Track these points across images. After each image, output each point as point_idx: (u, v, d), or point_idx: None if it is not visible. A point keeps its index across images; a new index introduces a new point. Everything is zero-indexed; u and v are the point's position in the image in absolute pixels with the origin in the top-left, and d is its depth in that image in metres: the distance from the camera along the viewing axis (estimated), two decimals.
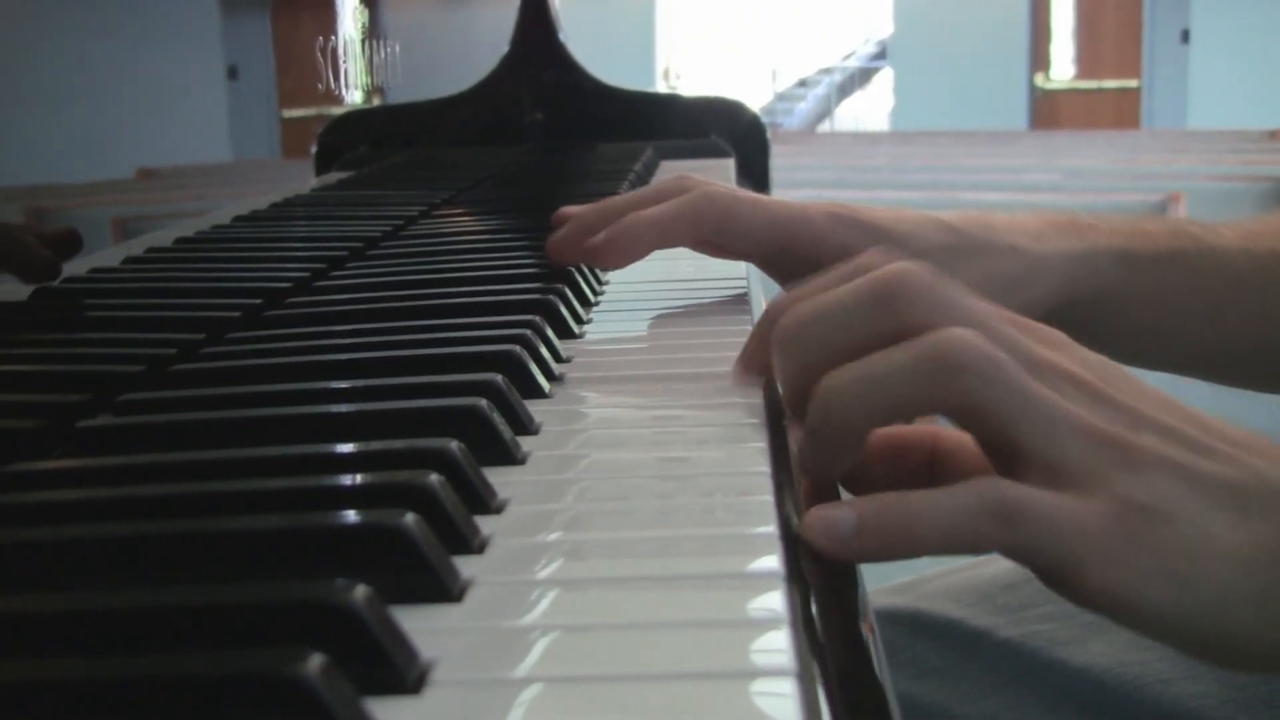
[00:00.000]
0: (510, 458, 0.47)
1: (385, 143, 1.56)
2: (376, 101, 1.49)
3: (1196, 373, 0.80)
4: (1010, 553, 0.44)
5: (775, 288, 0.86)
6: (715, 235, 0.70)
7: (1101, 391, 0.45)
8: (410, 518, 0.36)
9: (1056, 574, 0.44)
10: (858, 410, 0.44)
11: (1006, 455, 0.44)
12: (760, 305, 0.75)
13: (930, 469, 0.51)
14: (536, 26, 1.63)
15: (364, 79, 1.41)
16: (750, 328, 0.68)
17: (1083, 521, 0.43)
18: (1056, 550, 0.43)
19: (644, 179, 1.38)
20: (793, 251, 0.69)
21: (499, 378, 0.52)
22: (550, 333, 0.63)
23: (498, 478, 0.44)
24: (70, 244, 0.81)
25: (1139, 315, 0.74)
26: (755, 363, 0.57)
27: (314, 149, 1.42)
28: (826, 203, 0.71)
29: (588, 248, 0.71)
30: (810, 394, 0.45)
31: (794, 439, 0.49)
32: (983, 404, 0.43)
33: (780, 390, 0.49)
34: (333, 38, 1.34)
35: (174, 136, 1.11)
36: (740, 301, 0.74)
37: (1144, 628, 0.44)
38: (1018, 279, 0.70)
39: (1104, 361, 0.47)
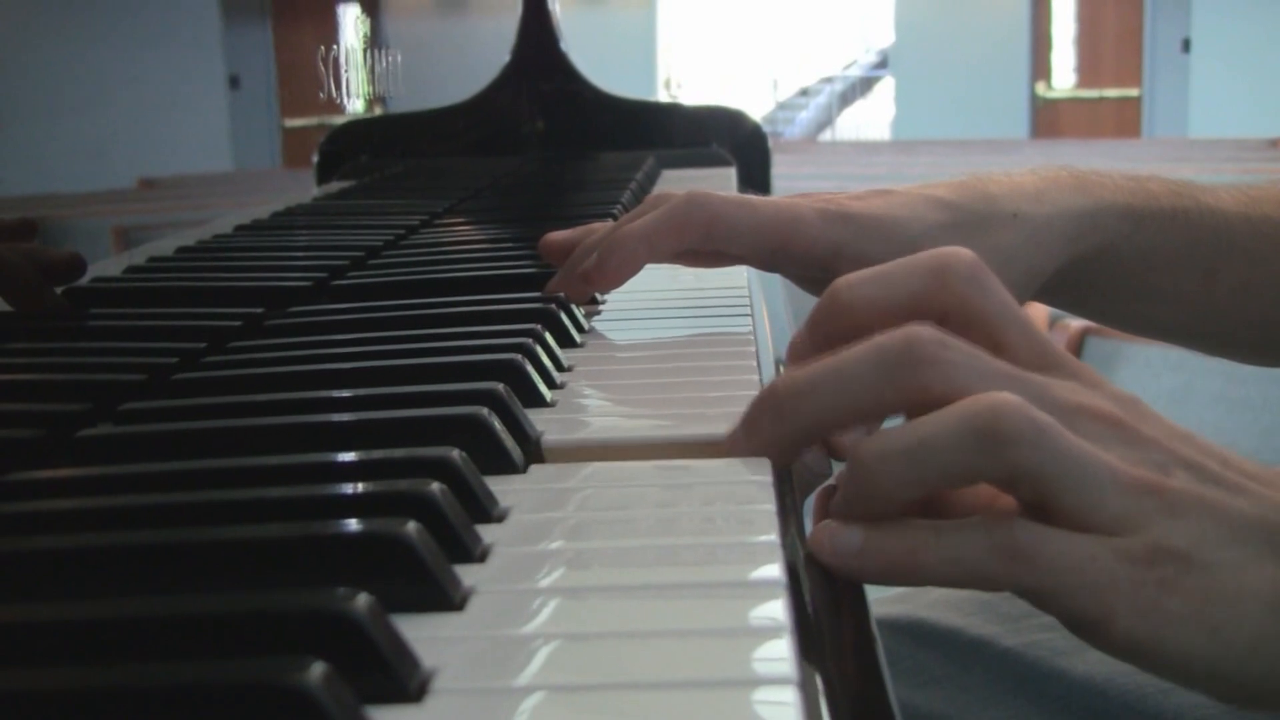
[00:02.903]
0: (512, 466, 0.47)
1: (386, 152, 1.56)
2: (378, 111, 1.49)
3: (1184, 339, 0.80)
4: (1027, 596, 0.43)
5: (776, 292, 0.86)
6: (704, 241, 0.68)
7: (1133, 431, 0.44)
8: (412, 526, 0.36)
9: (1080, 621, 0.43)
10: (903, 482, 0.42)
11: (1038, 507, 0.43)
12: (761, 310, 0.75)
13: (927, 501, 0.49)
14: (537, 36, 1.63)
15: (365, 88, 1.41)
16: (751, 332, 0.68)
17: (1109, 566, 0.42)
18: (1081, 598, 0.42)
19: (645, 188, 1.39)
20: (786, 252, 0.68)
21: (501, 386, 0.52)
22: (552, 341, 0.63)
23: (499, 486, 0.44)
24: (72, 270, 0.80)
25: (1137, 274, 0.73)
26: (806, 357, 0.51)
27: (315, 158, 1.42)
28: (816, 196, 0.70)
29: (581, 274, 0.70)
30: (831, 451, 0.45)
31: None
32: (1031, 474, 0.42)
33: (774, 450, 0.47)
34: (334, 47, 1.34)
35: (175, 146, 1.11)
36: (741, 308, 0.74)
37: (1171, 674, 0.43)
38: (1022, 247, 0.69)
39: (1131, 396, 0.47)
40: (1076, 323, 2.32)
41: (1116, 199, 0.71)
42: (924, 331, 0.44)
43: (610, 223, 0.72)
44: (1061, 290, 0.73)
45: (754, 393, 0.56)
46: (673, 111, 1.74)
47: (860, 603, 0.44)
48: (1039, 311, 2.09)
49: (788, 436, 0.46)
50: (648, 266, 0.69)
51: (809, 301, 0.70)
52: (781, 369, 0.63)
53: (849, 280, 0.50)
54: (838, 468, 0.53)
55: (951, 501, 0.47)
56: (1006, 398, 0.42)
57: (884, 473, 0.42)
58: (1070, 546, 0.42)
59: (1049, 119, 12.81)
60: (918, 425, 0.42)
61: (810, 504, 0.47)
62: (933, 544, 0.42)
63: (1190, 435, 0.46)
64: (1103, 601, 0.42)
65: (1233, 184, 0.76)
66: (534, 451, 0.50)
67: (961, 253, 0.49)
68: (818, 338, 0.51)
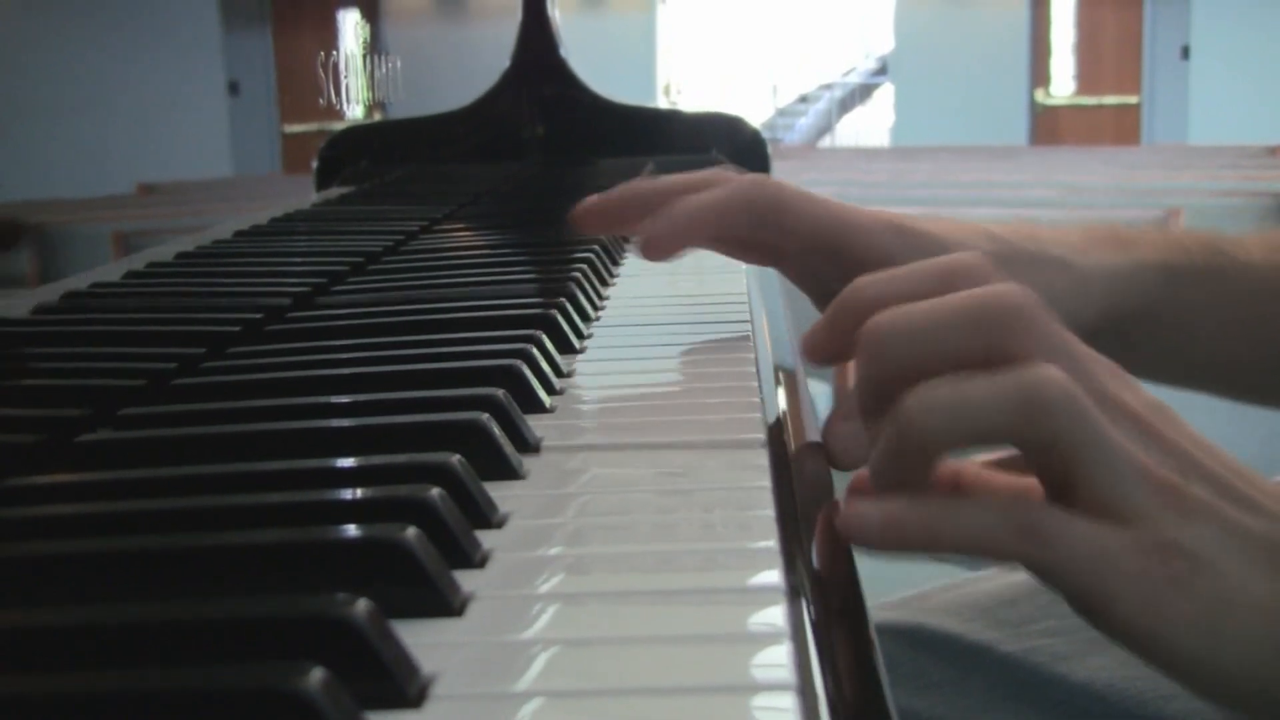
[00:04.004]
0: (511, 472, 0.47)
1: (386, 158, 1.56)
2: (377, 116, 1.49)
3: (1221, 390, 0.80)
4: (1037, 572, 0.45)
5: (775, 299, 0.86)
6: (759, 227, 0.66)
7: (1160, 434, 0.46)
8: (411, 532, 0.36)
9: (1085, 601, 0.44)
10: (943, 433, 0.44)
11: (1061, 484, 0.45)
12: (761, 317, 0.75)
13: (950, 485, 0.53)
14: (537, 42, 1.63)
15: (365, 94, 1.41)
16: (750, 338, 0.68)
17: (1119, 553, 0.43)
18: (1089, 580, 0.44)
19: None
20: (839, 256, 0.66)
21: (500, 392, 0.52)
22: (551, 347, 0.63)
23: (499, 492, 0.44)
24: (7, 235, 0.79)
25: (1173, 331, 0.73)
26: (822, 350, 0.55)
27: (315, 164, 1.42)
28: (877, 210, 0.68)
29: (641, 230, 0.67)
30: (890, 400, 0.46)
31: (839, 434, 0.52)
32: (1063, 445, 0.44)
33: (856, 388, 0.49)
34: (334, 53, 1.34)
35: (175, 151, 1.11)
36: (741, 314, 0.74)
37: (1163, 666, 0.45)
38: (1065, 294, 0.69)
39: (1161, 404, 0.48)
40: None
41: (1153, 257, 0.71)
42: (1015, 291, 0.46)
43: (663, 180, 0.70)
44: (1098, 346, 0.73)
45: (754, 399, 0.56)
46: (672, 118, 1.74)
47: (859, 608, 0.44)
48: None
49: (875, 377, 0.48)
50: (648, 271, 0.69)
51: (808, 308, 0.70)
52: (782, 375, 0.63)
53: (873, 278, 0.52)
54: (838, 476, 0.53)
55: (973, 487, 0.50)
56: (1055, 371, 0.44)
57: (926, 423, 0.44)
58: (1087, 531, 0.44)
59: (1048, 126, 12.83)
60: (964, 382, 0.44)
61: (811, 512, 0.47)
62: (952, 519, 0.44)
63: (1213, 447, 0.47)
64: (1108, 588, 0.44)
65: (1254, 234, 0.76)
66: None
67: (972, 258, 0.50)
68: (835, 333, 0.53)
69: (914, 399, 0.44)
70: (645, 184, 0.70)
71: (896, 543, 0.45)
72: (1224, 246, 0.74)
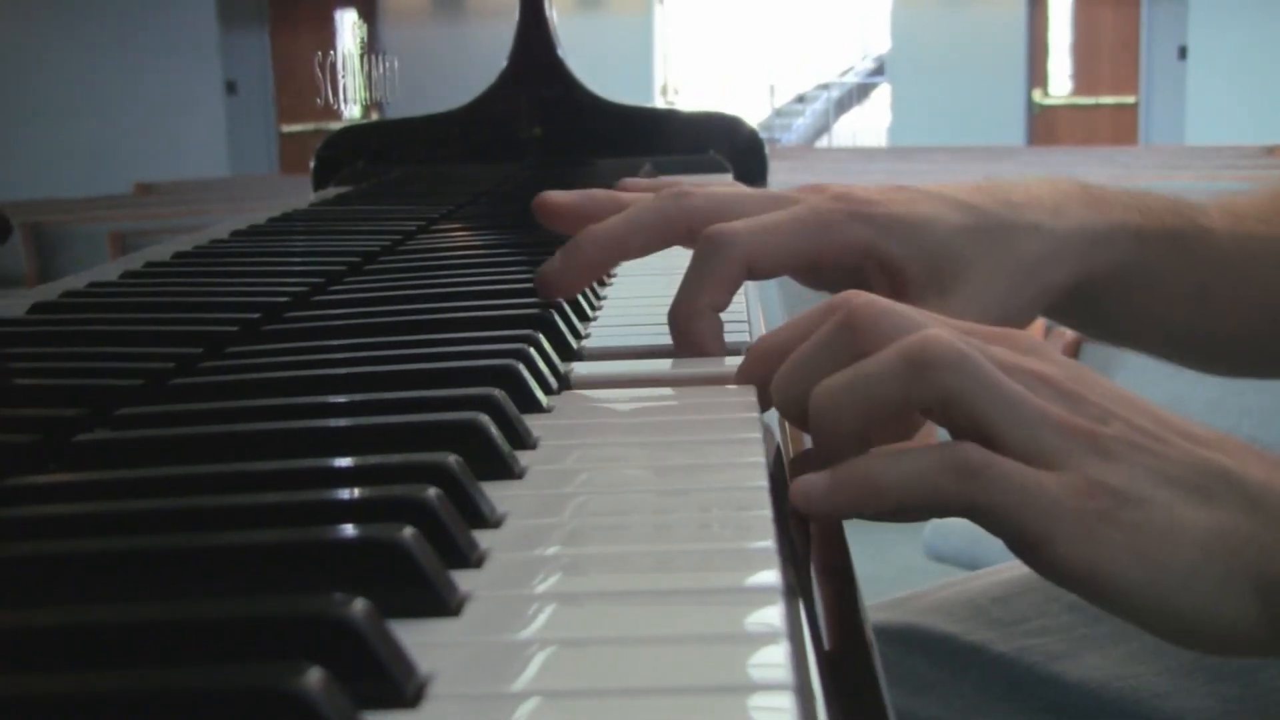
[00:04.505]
0: (508, 472, 0.47)
1: (383, 158, 1.56)
2: (375, 116, 1.49)
3: (1183, 358, 0.79)
4: (975, 514, 0.46)
5: (772, 300, 0.86)
6: (745, 275, 0.65)
7: (1070, 389, 0.48)
8: (408, 532, 0.36)
9: (1023, 542, 0.46)
10: (847, 409, 0.47)
11: (986, 446, 0.46)
12: (758, 317, 0.75)
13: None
14: (535, 42, 1.63)
15: (362, 94, 1.41)
16: (748, 340, 0.68)
17: (1053, 492, 0.45)
18: (1024, 517, 0.45)
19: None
20: (818, 263, 0.66)
21: (497, 392, 0.52)
22: (548, 347, 0.63)
23: (496, 492, 0.44)
24: None
25: (1138, 295, 0.73)
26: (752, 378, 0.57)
27: (312, 164, 1.42)
28: (828, 188, 0.67)
29: (543, 268, 0.69)
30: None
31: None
32: (956, 396, 0.46)
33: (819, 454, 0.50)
34: (331, 53, 1.34)
35: (172, 151, 1.11)
36: (738, 317, 0.74)
37: (1107, 602, 0.46)
38: (1042, 260, 0.68)
39: (1074, 364, 0.50)
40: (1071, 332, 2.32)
41: (1127, 219, 0.71)
42: (939, 337, 0.48)
43: (605, 194, 0.71)
44: (1069, 308, 0.72)
45: (751, 398, 0.56)
46: (670, 118, 1.74)
47: (857, 608, 0.44)
48: (1035, 323, 2.10)
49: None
50: (645, 271, 0.69)
51: (806, 307, 0.69)
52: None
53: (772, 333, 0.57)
54: None
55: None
56: (937, 331, 0.47)
57: (832, 405, 0.48)
58: (1016, 468, 0.45)
59: (1046, 126, 12.83)
60: (859, 361, 0.48)
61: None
62: (890, 467, 0.46)
63: (1129, 397, 0.49)
64: (1045, 525, 0.45)
65: (1220, 196, 0.76)
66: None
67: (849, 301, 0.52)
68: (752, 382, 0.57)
69: (819, 388, 0.48)
70: (601, 195, 0.71)
71: (845, 502, 0.46)
72: (1185, 210, 0.73)
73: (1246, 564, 0.45)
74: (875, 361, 0.47)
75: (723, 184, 0.71)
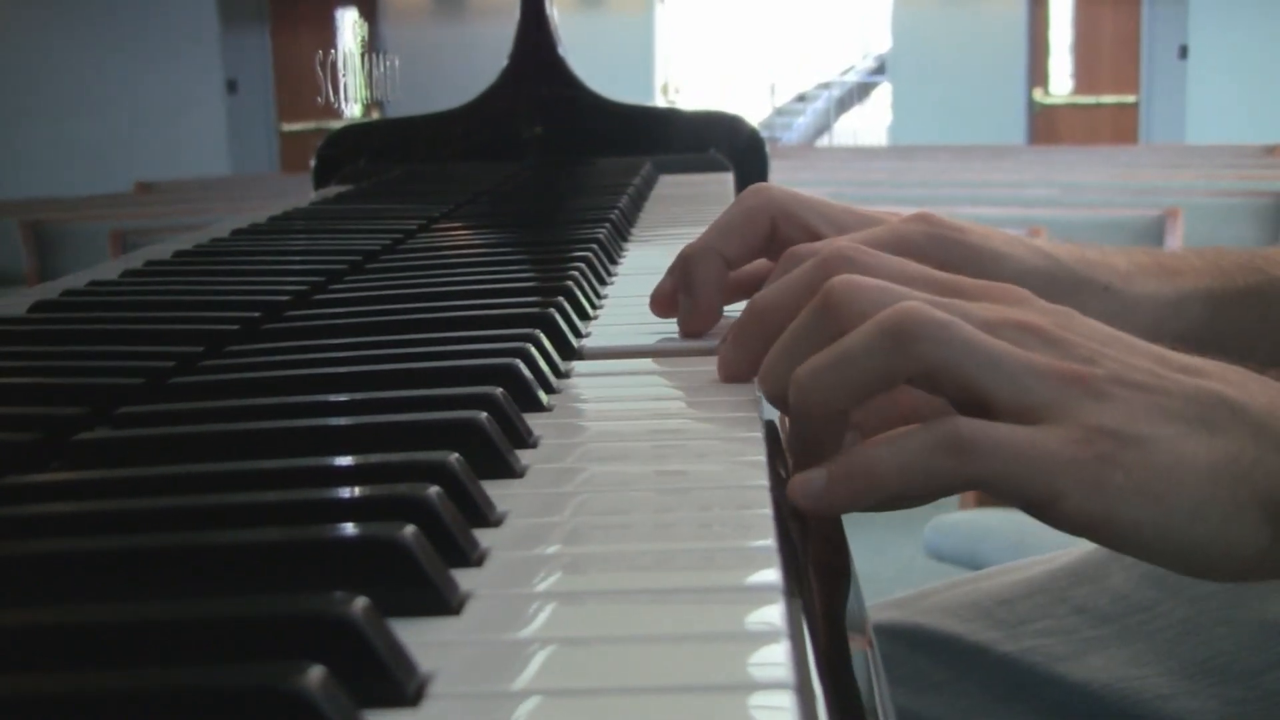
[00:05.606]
0: (509, 471, 0.47)
1: (384, 156, 1.56)
2: (375, 115, 1.49)
3: None
4: (977, 486, 0.46)
5: None
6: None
7: (1057, 335, 0.48)
8: (409, 530, 0.36)
9: (1034, 503, 0.46)
10: (832, 391, 0.47)
11: (980, 410, 0.46)
12: None
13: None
14: (535, 41, 1.63)
15: (363, 93, 1.41)
16: None
17: (1050, 448, 0.45)
18: (1026, 480, 0.45)
19: (643, 193, 1.39)
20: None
21: (498, 391, 0.52)
22: (549, 346, 0.63)
23: (496, 491, 0.44)
24: None
25: (1221, 357, 0.73)
26: (734, 368, 0.58)
27: (313, 162, 1.42)
28: (919, 216, 0.66)
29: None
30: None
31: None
32: (940, 365, 0.46)
33: (797, 437, 0.50)
34: (332, 51, 1.34)
35: (173, 150, 1.11)
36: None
37: (1123, 545, 0.46)
38: (1107, 320, 0.68)
39: (1063, 310, 0.50)
40: None
41: (1197, 286, 0.71)
42: (916, 308, 0.47)
43: (696, 247, 0.67)
44: None
45: (752, 397, 0.56)
46: (670, 117, 1.74)
47: (857, 607, 0.44)
48: None
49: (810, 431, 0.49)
50: (646, 270, 0.69)
51: None
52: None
53: (763, 293, 0.57)
54: None
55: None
56: (911, 303, 0.47)
57: (814, 385, 0.47)
58: (1009, 433, 0.45)
59: (1046, 125, 12.83)
60: (842, 340, 0.47)
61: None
62: (886, 455, 0.46)
63: (1123, 337, 0.49)
64: (1051, 483, 0.45)
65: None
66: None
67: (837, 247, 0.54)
68: (745, 352, 0.57)
69: (800, 370, 0.48)
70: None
71: (843, 496, 0.46)
72: (1261, 264, 0.73)
73: (1254, 490, 0.46)
74: (854, 338, 0.47)
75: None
